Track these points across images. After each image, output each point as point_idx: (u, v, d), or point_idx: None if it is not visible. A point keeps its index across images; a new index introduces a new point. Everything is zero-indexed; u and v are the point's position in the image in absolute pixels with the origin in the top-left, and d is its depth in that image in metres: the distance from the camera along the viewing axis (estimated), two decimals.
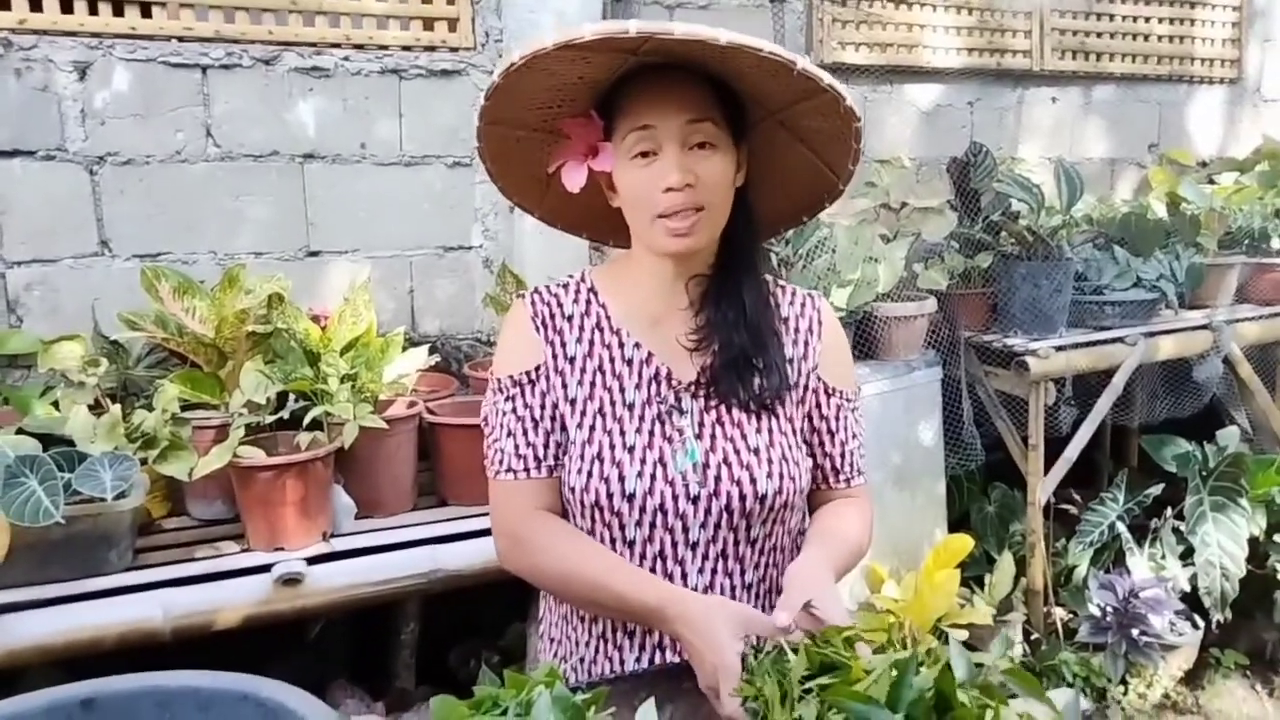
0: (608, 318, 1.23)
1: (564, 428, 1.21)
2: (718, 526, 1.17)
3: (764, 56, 1.04)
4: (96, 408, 2.04)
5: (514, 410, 1.21)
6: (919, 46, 3.48)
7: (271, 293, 2.10)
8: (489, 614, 2.57)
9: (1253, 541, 2.90)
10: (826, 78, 1.09)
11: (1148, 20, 3.95)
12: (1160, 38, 3.98)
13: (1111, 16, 3.87)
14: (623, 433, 1.18)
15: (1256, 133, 4.11)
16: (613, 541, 1.18)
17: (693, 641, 1.03)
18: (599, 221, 1.30)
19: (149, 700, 0.85)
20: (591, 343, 1.22)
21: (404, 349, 2.25)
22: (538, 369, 1.21)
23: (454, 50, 2.77)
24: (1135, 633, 2.75)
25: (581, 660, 1.25)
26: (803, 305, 1.28)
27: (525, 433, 1.20)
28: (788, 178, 1.27)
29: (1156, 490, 3.02)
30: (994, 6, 3.61)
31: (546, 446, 1.20)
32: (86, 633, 1.75)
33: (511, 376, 1.22)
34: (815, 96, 1.12)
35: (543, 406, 1.20)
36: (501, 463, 1.20)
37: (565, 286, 1.26)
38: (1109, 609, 2.79)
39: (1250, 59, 4.25)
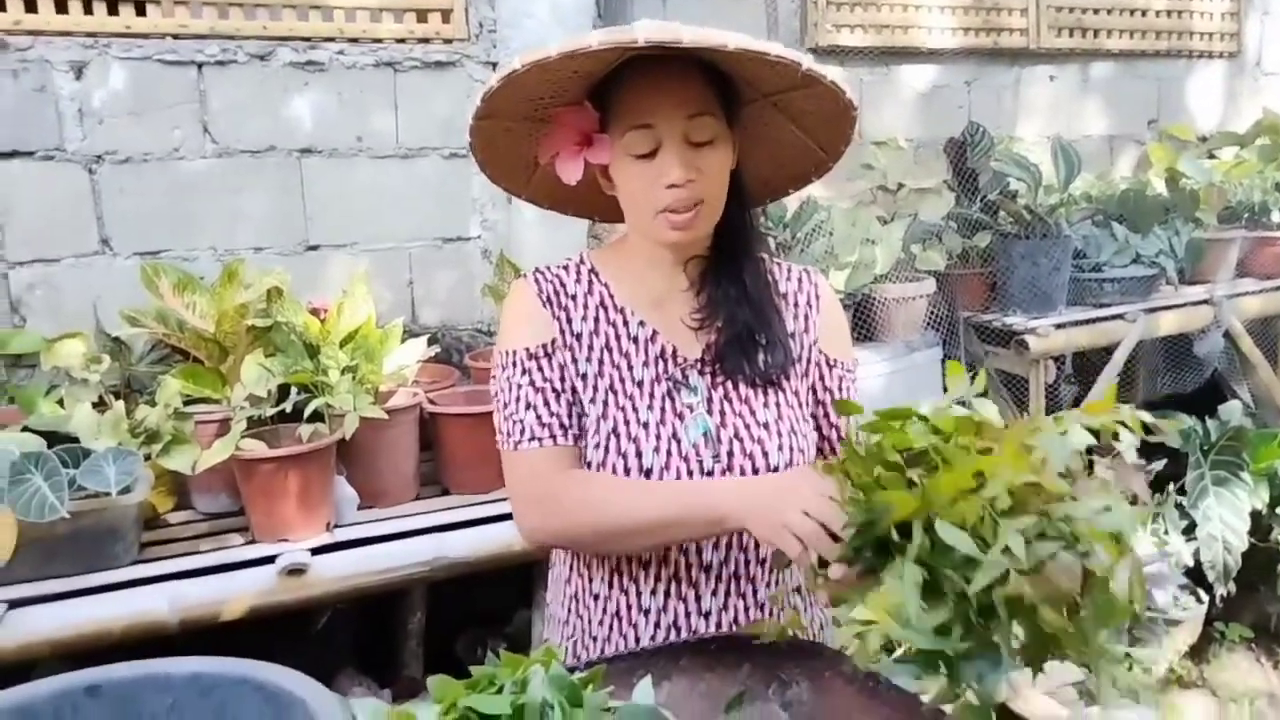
0: (611, 297, 1.23)
1: (580, 401, 1.20)
2: None
3: (771, 59, 1.04)
4: (100, 404, 2.06)
5: (531, 382, 1.19)
6: (914, 27, 3.46)
7: (270, 287, 2.12)
8: (495, 601, 2.59)
9: (1255, 515, 2.91)
10: (830, 75, 1.08)
11: None
12: (1158, 13, 3.96)
13: None
14: (635, 409, 1.18)
15: (1256, 106, 4.09)
16: None
17: (756, 503, 1.04)
18: (586, 200, 1.29)
19: (152, 686, 0.86)
20: (597, 320, 1.22)
21: (403, 340, 2.26)
22: (553, 342, 1.20)
23: (448, 42, 2.77)
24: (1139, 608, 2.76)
25: (594, 639, 1.25)
26: (800, 280, 1.29)
27: (547, 403, 1.18)
28: (777, 152, 1.27)
29: (1159, 466, 3.02)
30: None
31: (569, 415, 1.18)
32: (94, 625, 1.77)
33: (527, 349, 1.20)
34: (813, 86, 1.12)
35: (562, 378, 1.19)
36: (523, 433, 1.18)
37: (566, 268, 1.27)
38: None
39: (1250, 32, 4.22)
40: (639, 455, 1.16)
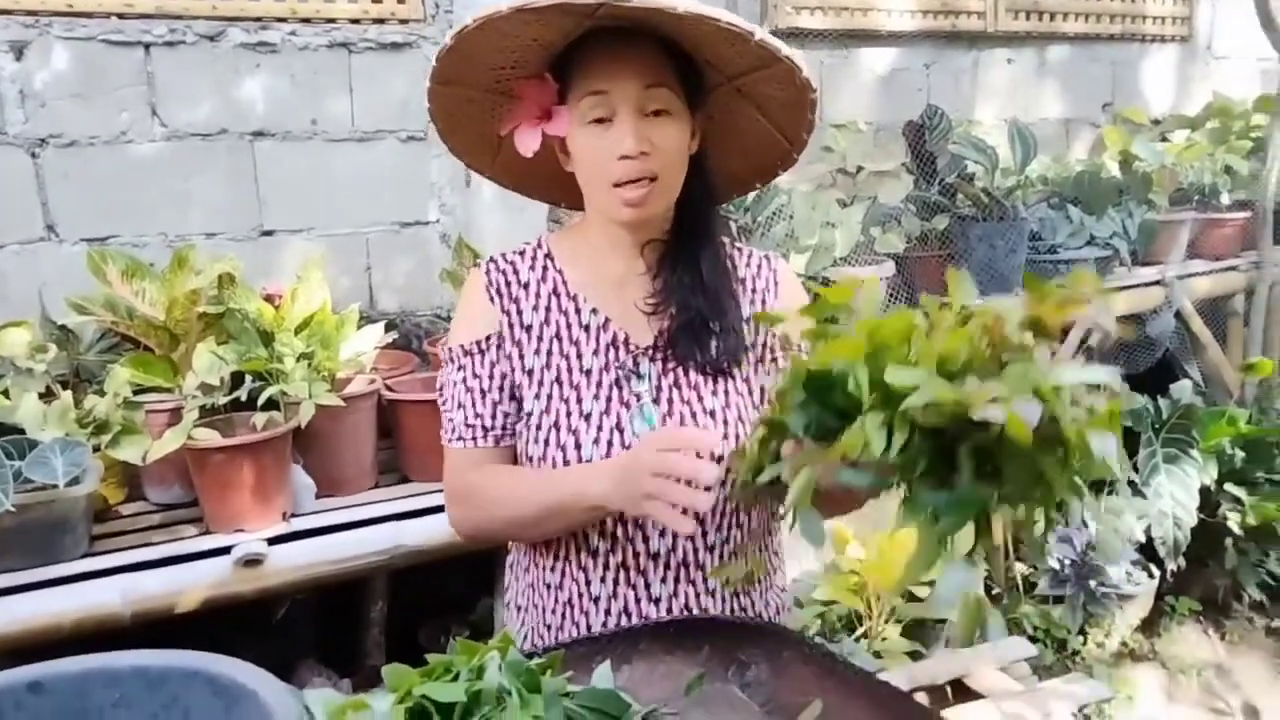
0: (564, 284, 1.23)
1: (516, 398, 1.21)
2: None
3: (722, 26, 1.03)
4: (47, 395, 2.01)
5: (464, 380, 1.23)
6: (874, 10, 3.47)
7: (222, 273, 2.07)
8: (457, 589, 2.58)
9: (1204, 491, 2.98)
10: (784, 48, 1.08)
11: None
12: None
13: None
14: (579, 400, 1.18)
15: (1207, 90, 4.17)
16: None
17: (615, 483, 1.06)
18: (551, 183, 1.28)
19: (98, 681, 0.84)
20: (548, 309, 1.22)
21: (360, 326, 2.23)
22: (488, 339, 1.22)
23: (404, 22, 2.72)
24: (1093, 584, 2.82)
25: (549, 627, 1.26)
26: (759, 266, 1.29)
27: (474, 403, 1.21)
28: (742, 143, 1.27)
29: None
30: None
31: (494, 417, 1.21)
32: (43, 620, 1.74)
33: (463, 346, 1.23)
34: (772, 65, 1.12)
35: (491, 376, 1.21)
36: (452, 430, 1.23)
37: (521, 254, 1.26)
38: (1067, 561, 2.86)
39: (1201, 16, 4.29)
40: (578, 447, 1.16)
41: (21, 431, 1.85)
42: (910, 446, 0.69)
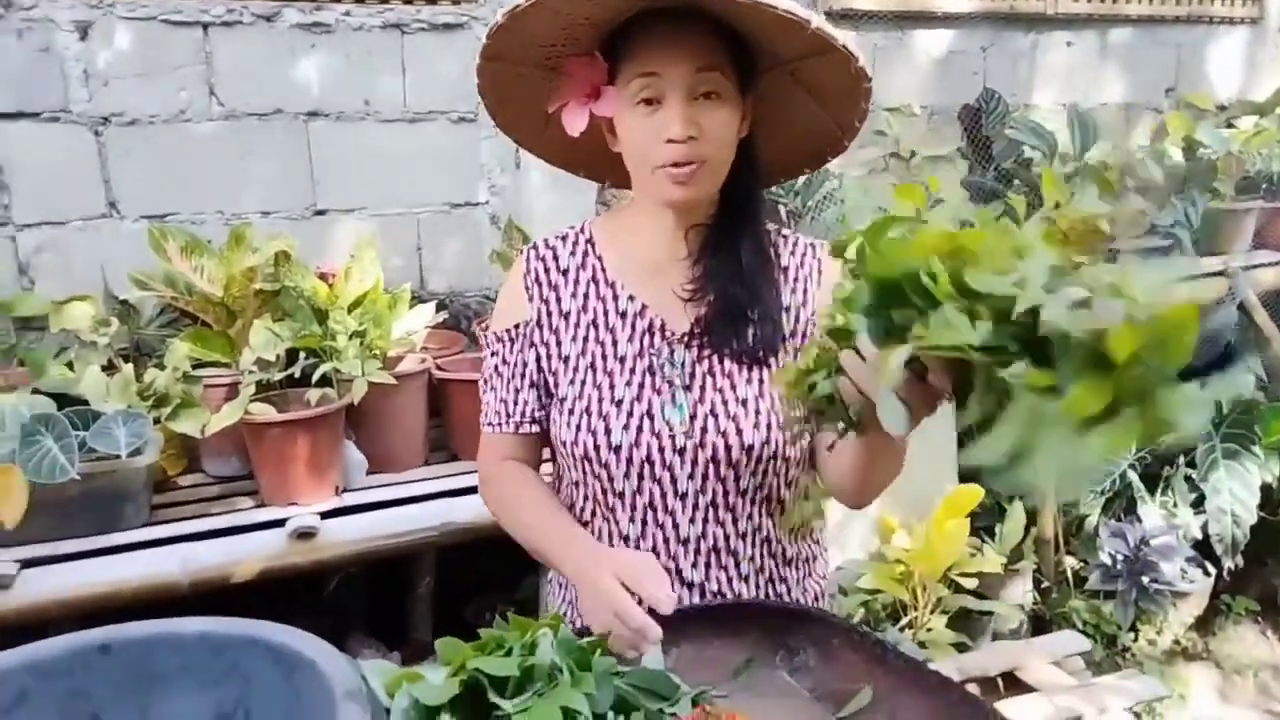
0: (603, 270, 1.23)
1: (547, 385, 1.23)
2: (705, 478, 1.18)
3: (779, 14, 1.02)
4: (109, 368, 2.06)
5: (495, 367, 1.26)
6: None
7: (278, 251, 2.11)
8: (504, 567, 2.60)
9: (1265, 488, 2.90)
10: (841, 38, 1.06)
11: None
12: None
13: None
14: (612, 386, 1.18)
15: (1278, 74, 4.02)
16: (604, 493, 1.20)
17: (579, 587, 1.11)
18: (598, 159, 1.27)
19: (164, 645, 0.87)
20: (586, 296, 1.22)
21: (411, 306, 2.25)
22: (517, 327, 1.24)
23: (456, 2, 2.73)
24: (1146, 580, 2.77)
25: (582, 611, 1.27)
26: (804, 255, 1.27)
27: (502, 389, 1.25)
28: (793, 128, 1.26)
29: (1169, 438, 3.01)
30: None
31: (517, 404, 1.24)
32: (106, 586, 1.79)
33: (496, 333, 1.26)
34: (827, 53, 1.10)
35: (518, 365, 1.24)
36: (484, 414, 1.28)
37: (564, 239, 1.26)
38: (1120, 556, 2.80)
39: None
40: (608, 432, 1.17)
41: (85, 403, 1.90)
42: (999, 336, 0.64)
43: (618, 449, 1.17)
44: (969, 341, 0.65)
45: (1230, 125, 3.66)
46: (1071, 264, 0.66)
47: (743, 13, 1.05)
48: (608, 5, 1.08)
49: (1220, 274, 3.28)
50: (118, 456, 1.82)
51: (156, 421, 1.95)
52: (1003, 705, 0.94)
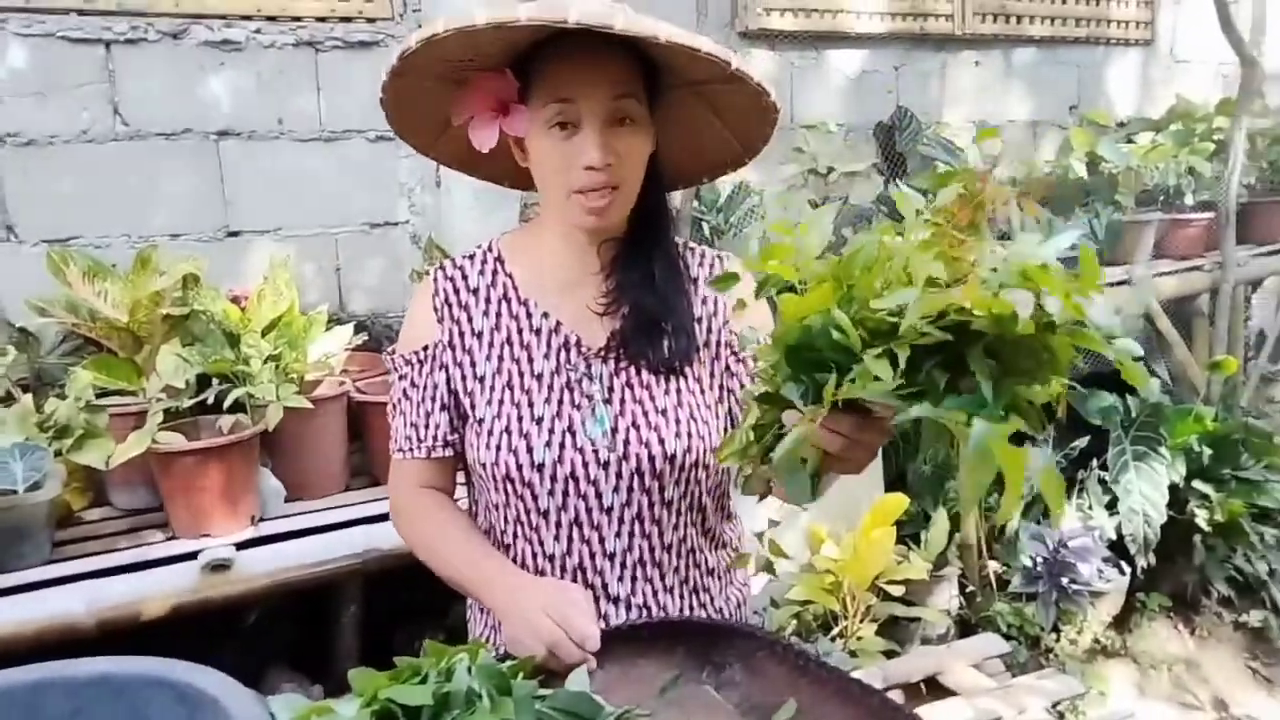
0: (514, 288, 1.22)
1: (460, 407, 1.21)
2: (630, 490, 1.17)
3: (701, 56, 1.02)
4: (7, 399, 1.97)
5: (404, 391, 1.23)
6: (843, 12, 3.49)
7: (186, 273, 2.04)
8: (432, 594, 2.54)
9: (1173, 488, 3.01)
10: (755, 75, 1.07)
11: None
12: (1077, 0, 4.06)
13: None
14: (531, 404, 1.17)
15: (1170, 93, 4.23)
16: (527, 513, 1.18)
17: (505, 620, 1.09)
18: (496, 164, 1.25)
19: (57, 690, 0.82)
20: (498, 315, 1.21)
21: (329, 327, 2.20)
22: (426, 349, 1.21)
23: (371, 21, 2.70)
24: (1065, 581, 2.85)
25: None
26: (711, 266, 1.28)
27: (411, 413, 1.22)
28: (695, 141, 1.26)
29: (1083, 443, 3.11)
30: None
31: (428, 428, 1.21)
32: (4, 629, 1.69)
33: (404, 355, 1.23)
34: (738, 82, 1.10)
35: (427, 388, 1.21)
36: (394, 440, 1.24)
37: (472, 258, 1.25)
38: (1040, 559, 2.88)
39: (1163, 21, 4.36)
40: (530, 450, 1.15)
41: None
42: (916, 367, 0.68)
43: (541, 467, 1.15)
44: (889, 389, 0.68)
45: (1130, 141, 3.83)
46: (958, 258, 0.69)
47: (663, 46, 1.05)
48: (524, 27, 1.07)
49: (1124, 283, 3.41)
50: (14, 492, 1.73)
51: (58, 454, 1.86)
52: (924, 710, 0.95)
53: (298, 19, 2.61)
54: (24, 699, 0.80)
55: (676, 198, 1.46)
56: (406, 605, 2.53)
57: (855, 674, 0.99)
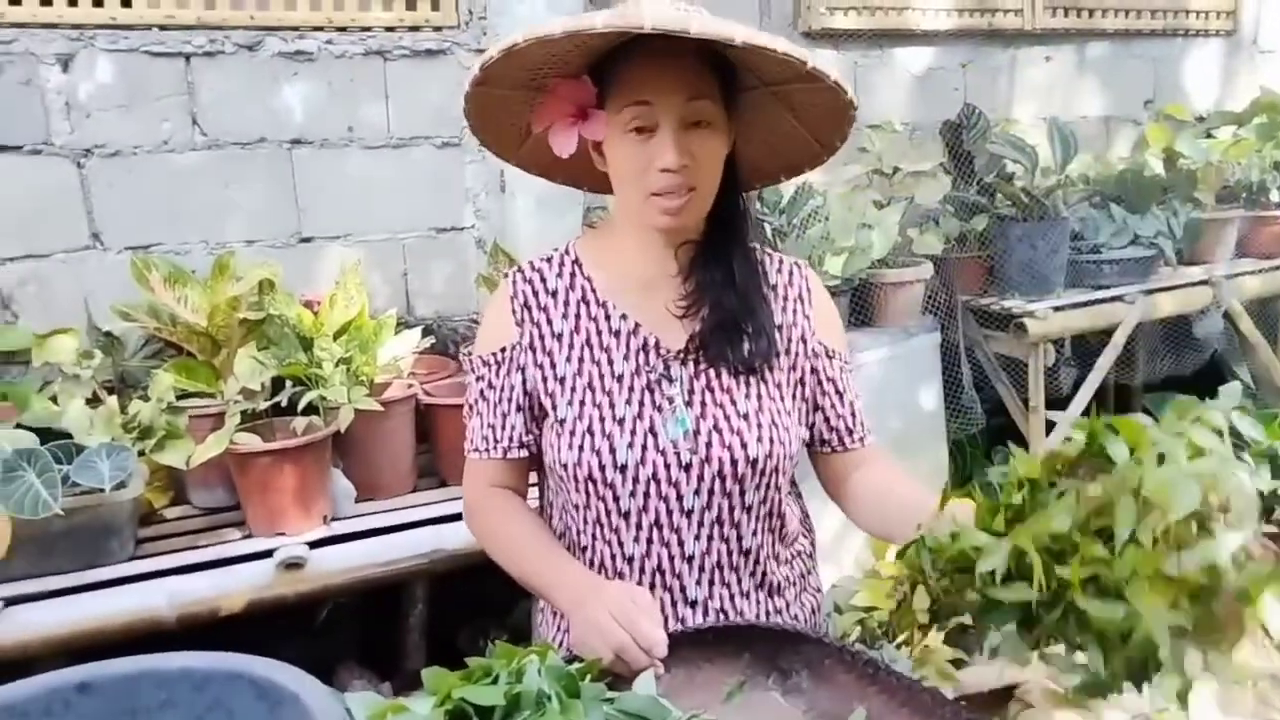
0: (593, 290, 1.22)
1: (536, 409, 1.22)
2: (711, 493, 1.17)
3: (778, 56, 1.02)
4: (94, 400, 2.05)
5: (481, 392, 1.25)
6: (909, 9, 3.43)
7: (262, 279, 2.10)
8: (496, 593, 2.58)
9: (1258, 495, 2.89)
10: (833, 74, 1.07)
11: None
12: None
13: None
14: (612, 405, 1.18)
15: (1254, 84, 4.07)
16: (608, 514, 1.19)
17: (572, 620, 1.09)
18: (575, 169, 1.27)
19: (146, 682, 0.85)
20: (578, 317, 1.22)
21: (397, 331, 2.25)
22: (504, 350, 1.22)
23: (437, 29, 2.74)
24: None
25: None
26: (790, 274, 1.28)
27: (488, 414, 1.24)
28: (772, 140, 1.26)
29: None
30: None
31: (504, 429, 1.23)
32: (91, 622, 1.76)
33: (481, 357, 1.25)
34: (814, 81, 1.10)
35: (504, 389, 1.22)
36: (470, 440, 1.26)
37: (549, 260, 1.26)
38: None
39: (1246, 9, 4.19)
40: (613, 451, 1.16)
41: (69, 436, 1.88)
42: None
43: (623, 468, 1.16)
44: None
45: (1209, 136, 3.70)
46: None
47: (737, 48, 1.06)
48: (603, 35, 1.09)
49: (1204, 283, 3.30)
50: (102, 490, 1.80)
51: (141, 454, 1.93)
52: None
53: (367, 29, 2.67)
54: (119, 688, 0.83)
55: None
56: (472, 604, 2.57)
57: (925, 683, 0.98)
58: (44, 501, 1.72)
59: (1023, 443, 3.00)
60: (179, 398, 2.02)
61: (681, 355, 1.20)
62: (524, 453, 1.23)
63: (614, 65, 1.12)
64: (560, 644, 1.28)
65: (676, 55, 1.09)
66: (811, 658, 1.03)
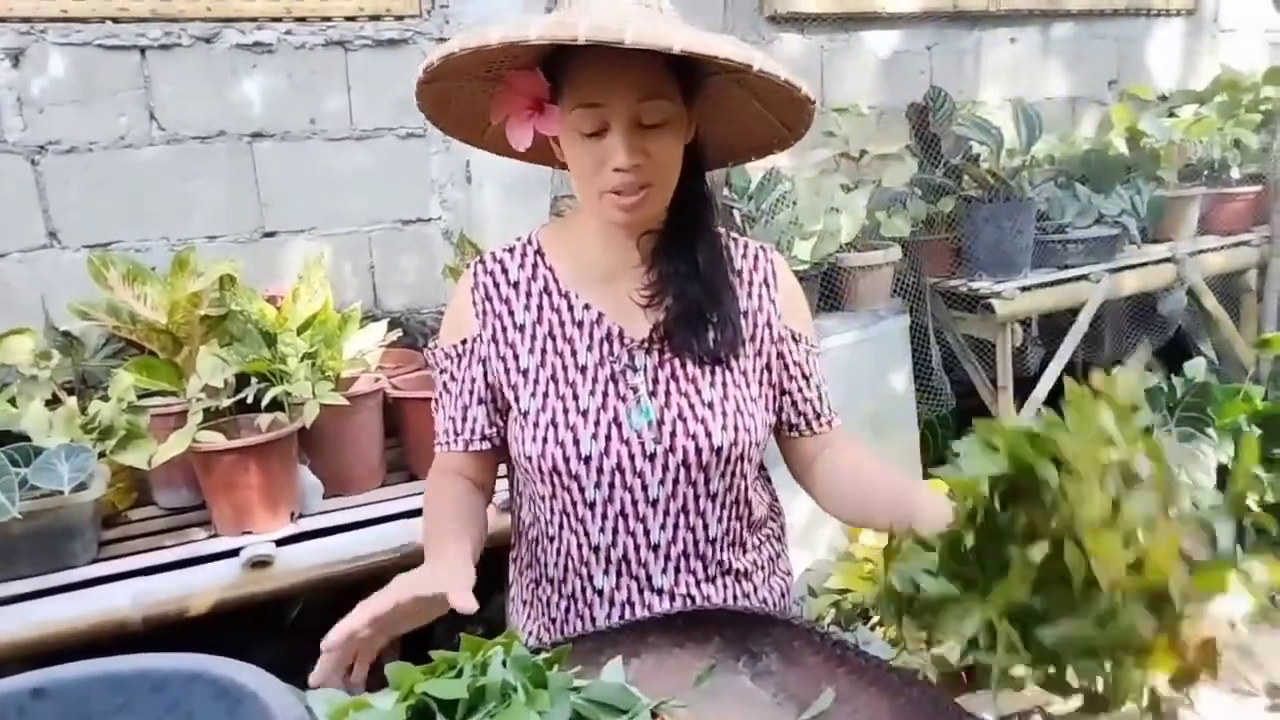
0: (555, 281, 1.21)
1: (499, 401, 1.21)
2: (676, 482, 1.17)
3: (719, 62, 1.01)
4: (53, 401, 2.01)
5: (444, 384, 1.24)
6: None
7: (223, 275, 2.07)
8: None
9: (1221, 470, 2.93)
10: (784, 73, 1.05)
11: None
12: None
13: None
14: (576, 396, 1.17)
15: (1215, 63, 4.11)
16: (573, 505, 1.18)
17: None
18: (545, 150, 1.24)
19: (102, 686, 0.83)
20: (540, 308, 1.21)
21: (363, 325, 2.22)
22: (465, 342, 1.22)
23: (399, 19, 2.71)
24: None
25: (554, 621, 1.26)
26: (756, 258, 1.27)
27: (448, 406, 1.23)
28: (740, 121, 1.25)
29: None
30: None
31: (464, 421, 1.22)
32: (55, 627, 1.73)
33: (443, 349, 1.24)
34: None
35: (465, 381, 1.22)
36: (436, 433, 1.26)
37: (511, 251, 1.25)
38: None
39: None
40: (577, 443, 1.15)
41: (27, 439, 1.85)
42: None
43: (587, 459, 1.15)
44: None
45: (1172, 114, 3.74)
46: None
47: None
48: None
49: (1168, 260, 3.33)
50: (61, 492, 1.77)
51: (103, 454, 1.89)
52: (965, 700, 0.94)
53: (327, 19, 2.63)
54: (73, 693, 0.82)
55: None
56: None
57: (895, 663, 0.98)
58: (1, 505, 1.68)
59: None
60: (140, 397, 1.98)
61: (646, 345, 1.19)
62: (486, 445, 1.22)
63: (565, 63, 1.10)
64: (530, 634, 1.27)
65: (624, 57, 1.05)
66: (780, 640, 1.03)
